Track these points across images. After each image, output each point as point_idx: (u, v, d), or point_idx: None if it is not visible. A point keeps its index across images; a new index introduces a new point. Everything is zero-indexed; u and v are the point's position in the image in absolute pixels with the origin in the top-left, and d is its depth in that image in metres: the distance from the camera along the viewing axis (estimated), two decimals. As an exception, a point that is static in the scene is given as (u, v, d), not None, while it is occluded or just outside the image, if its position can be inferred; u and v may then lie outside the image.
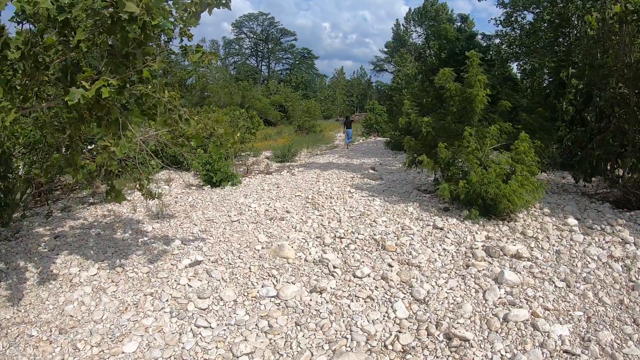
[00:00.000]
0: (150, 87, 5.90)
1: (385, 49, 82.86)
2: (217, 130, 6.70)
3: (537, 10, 19.04)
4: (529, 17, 20.09)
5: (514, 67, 23.01)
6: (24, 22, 4.92)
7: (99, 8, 4.47)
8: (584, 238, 8.16)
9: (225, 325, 5.85)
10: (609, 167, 10.58)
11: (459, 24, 52.61)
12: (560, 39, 15.44)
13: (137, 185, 7.38)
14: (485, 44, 24.63)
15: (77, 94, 4.42)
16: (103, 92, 4.45)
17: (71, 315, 6.16)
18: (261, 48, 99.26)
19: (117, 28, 4.65)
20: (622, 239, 7.98)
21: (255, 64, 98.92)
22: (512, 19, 20.49)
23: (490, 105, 10.87)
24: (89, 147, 7.72)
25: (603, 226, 8.61)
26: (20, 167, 9.30)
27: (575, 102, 11.13)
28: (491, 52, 22.36)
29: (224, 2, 5.32)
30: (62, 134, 6.08)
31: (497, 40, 22.52)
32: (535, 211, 9.72)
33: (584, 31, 11.24)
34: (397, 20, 78.90)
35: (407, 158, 12.36)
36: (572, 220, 8.89)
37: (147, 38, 4.88)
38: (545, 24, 17.00)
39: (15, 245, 8.64)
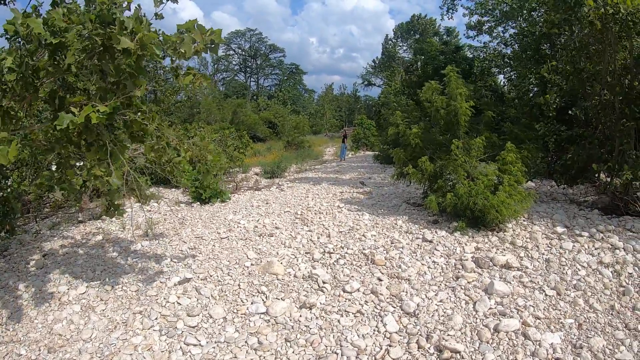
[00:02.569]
0: (139, 114, 5.90)
1: (374, 63, 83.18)
2: (206, 157, 6.75)
3: (514, 24, 19.32)
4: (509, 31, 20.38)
5: (501, 78, 23.26)
6: (15, 40, 4.92)
7: (91, 34, 4.50)
8: (574, 245, 8.23)
9: (215, 342, 5.82)
10: (594, 173, 10.64)
11: (445, 37, 52.94)
12: (545, 47, 15.56)
13: (136, 193, 7.35)
14: (471, 56, 24.82)
15: (66, 119, 4.43)
16: (92, 118, 4.45)
17: (60, 334, 6.10)
18: (250, 64, 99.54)
19: (108, 55, 4.69)
20: (611, 245, 8.05)
21: (244, 80, 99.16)
22: (488, 32, 20.80)
23: (476, 116, 10.91)
24: (78, 164, 7.70)
25: (592, 233, 8.68)
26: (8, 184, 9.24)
27: (559, 100, 11.20)
28: (476, 65, 22.53)
29: (212, 47, 5.36)
30: (52, 152, 6.07)
31: (481, 55, 22.74)
32: (524, 220, 9.77)
33: (569, 37, 11.33)
34: (387, 35, 78.91)
35: (396, 170, 12.39)
36: (561, 228, 8.97)
37: (139, 71, 4.90)
38: (526, 34, 17.16)
39: (3, 263, 8.55)
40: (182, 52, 5.16)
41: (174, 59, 5.25)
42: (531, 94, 15.31)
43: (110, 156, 5.30)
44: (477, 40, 23.44)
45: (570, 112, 10.97)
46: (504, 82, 22.89)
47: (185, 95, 35.79)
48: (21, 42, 4.86)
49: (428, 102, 11.35)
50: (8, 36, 4.86)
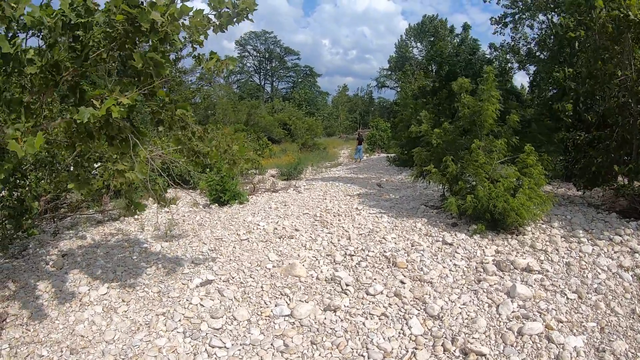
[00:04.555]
0: (161, 104, 5.92)
1: (387, 65, 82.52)
2: (232, 147, 6.72)
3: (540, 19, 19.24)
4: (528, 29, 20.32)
5: (517, 78, 23.34)
6: (33, 34, 4.94)
7: (115, 18, 4.52)
8: (593, 249, 8.22)
9: (240, 345, 5.84)
10: (614, 176, 10.61)
11: (462, 33, 51.99)
12: (567, 49, 15.46)
13: (156, 195, 7.34)
14: (489, 56, 24.63)
15: (87, 113, 4.42)
16: (113, 112, 4.45)
17: (82, 335, 6.13)
18: (265, 66, 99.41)
19: (129, 44, 4.69)
20: (630, 248, 8.07)
21: (259, 82, 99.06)
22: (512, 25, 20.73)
23: (498, 118, 10.88)
24: (96, 165, 7.75)
25: (611, 236, 8.67)
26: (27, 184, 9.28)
27: (576, 107, 11.16)
28: (495, 63, 22.40)
29: (248, 16, 5.38)
30: (72, 150, 6.09)
31: (506, 47, 22.62)
32: (542, 224, 9.74)
33: (585, 41, 11.28)
34: (401, 36, 77.97)
35: (416, 170, 12.37)
36: (580, 232, 8.96)
37: (164, 58, 4.90)
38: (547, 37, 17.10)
39: (23, 263, 8.62)
40: (218, 25, 5.19)
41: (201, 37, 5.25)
42: (550, 94, 15.23)
43: (133, 148, 5.32)
44: (502, 34, 23.25)
45: (585, 115, 10.92)
46: (521, 83, 22.93)
47: (201, 97, 35.92)
48: (41, 34, 4.88)
49: (449, 102, 11.34)
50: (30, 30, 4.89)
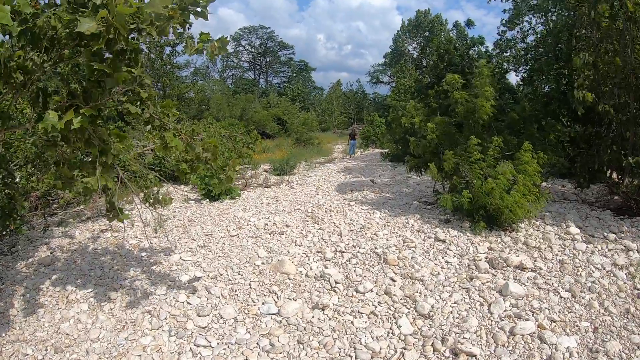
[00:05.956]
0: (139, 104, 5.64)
1: (382, 61, 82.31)
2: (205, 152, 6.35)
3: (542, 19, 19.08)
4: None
5: (512, 75, 23.20)
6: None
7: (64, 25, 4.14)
8: (587, 247, 8.17)
9: (226, 344, 5.72)
10: (609, 174, 10.54)
11: (466, 28, 51.66)
12: (562, 46, 15.33)
13: (143, 196, 7.12)
14: (489, 53, 24.51)
15: (49, 123, 4.13)
16: (74, 123, 4.22)
17: (67, 334, 5.99)
18: (259, 61, 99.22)
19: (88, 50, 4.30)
20: (625, 247, 8.00)
21: (253, 77, 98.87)
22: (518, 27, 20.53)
23: (494, 115, 10.77)
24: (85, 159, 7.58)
25: (605, 234, 8.63)
26: (17, 179, 9.15)
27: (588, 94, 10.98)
28: (493, 61, 22.27)
29: (199, 11, 4.86)
30: (55, 148, 5.89)
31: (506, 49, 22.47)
32: (536, 221, 9.68)
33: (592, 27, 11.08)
34: (397, 31, 77.69)
35: (411, 162, 12.29)
36: (574, 229, 8.89)
37: (115, 66, 4.43)
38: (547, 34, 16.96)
39: (11, 259, 8.49)
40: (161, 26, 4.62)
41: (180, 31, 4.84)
42: (546, 89, 15.10)
43: (101, 154, 5.03)
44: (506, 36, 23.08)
45: (603, 106, 10.74)
46: (516, 79, 22.72)
47: (194, 92, 35.85)
48: None
49: (441, 98, 11.23)
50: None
